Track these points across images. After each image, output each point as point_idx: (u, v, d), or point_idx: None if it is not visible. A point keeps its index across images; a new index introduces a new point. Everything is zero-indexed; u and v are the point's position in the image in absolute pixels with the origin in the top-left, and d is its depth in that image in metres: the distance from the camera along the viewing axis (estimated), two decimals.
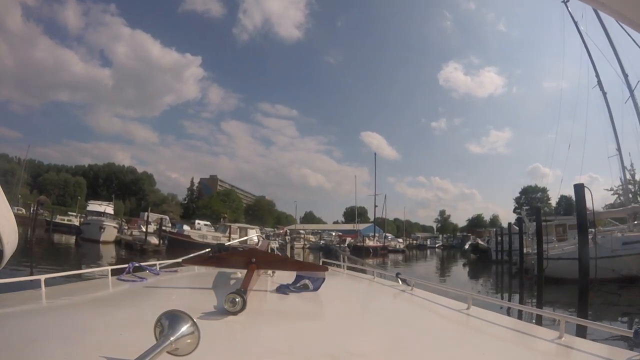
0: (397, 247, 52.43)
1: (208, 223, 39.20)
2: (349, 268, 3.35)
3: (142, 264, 2.48)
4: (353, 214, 78.01)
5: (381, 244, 47.12)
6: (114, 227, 34.02)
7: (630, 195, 31.44)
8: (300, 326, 1.45)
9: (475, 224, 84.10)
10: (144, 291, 1.96)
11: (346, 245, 40.76)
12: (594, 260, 13.30)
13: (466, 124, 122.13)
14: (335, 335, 1.32)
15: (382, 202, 61.32)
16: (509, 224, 24.44)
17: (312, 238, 48.86)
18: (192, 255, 3.14)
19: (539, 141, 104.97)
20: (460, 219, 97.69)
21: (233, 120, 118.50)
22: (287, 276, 2.11)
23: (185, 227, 33.98)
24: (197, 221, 39.77)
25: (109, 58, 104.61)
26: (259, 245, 3.76)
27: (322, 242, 45.40)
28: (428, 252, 56.51)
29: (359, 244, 42.35)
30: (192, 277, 2.63)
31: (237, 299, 1.32)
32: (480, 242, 37.82)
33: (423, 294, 2.13)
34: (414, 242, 68.24)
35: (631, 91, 16.81)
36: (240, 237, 29.01)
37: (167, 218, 40.06)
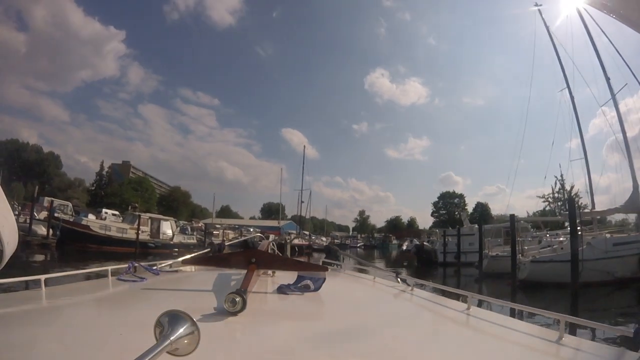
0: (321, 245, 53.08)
1: (116, 213, 35.21)
2: (349, 268, 3.42)
3: (142, 264, 2.49)
4: (270, 210, 76.68)
5: (307, 242, 47.23)
6: None
7: (560, 203, 34.24)
8: (300, 326, 1.45)
9: (394, 225, 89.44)
10: (143, 291, 1.95)
11: None
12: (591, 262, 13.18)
13: (387, 129, 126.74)
14: (335, 335, 1.32)
15: (307, 199, 61.67)
16: (480, 225, 24.39)
17: (232, 233, 47.26)
18: (192, 255, 3.18)
19: (454, 151, 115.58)
20: (376, 220, 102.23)
21: (151, 104, 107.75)
22: (287, 276, 2.14)
23: (91, 217, 29.76)
24: (104, 210, 35.68)
25: (26, 21, 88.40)
26: (260, 245, 3.78)
27: (242, 237, 44.06)
28: (349, 251, 58.10)
29: (283, 242, 41.62)
30: (192, 277, 2.64)
31: (237, 299, 1.31)
32: (425, 243, 36.84)
33: (423, 294, 2.16)
34: (335, 241, 69.81)
35: (613, 95, 16.99)
36: (151, 229, 25.96)
37: (70, 205, 35.25)
